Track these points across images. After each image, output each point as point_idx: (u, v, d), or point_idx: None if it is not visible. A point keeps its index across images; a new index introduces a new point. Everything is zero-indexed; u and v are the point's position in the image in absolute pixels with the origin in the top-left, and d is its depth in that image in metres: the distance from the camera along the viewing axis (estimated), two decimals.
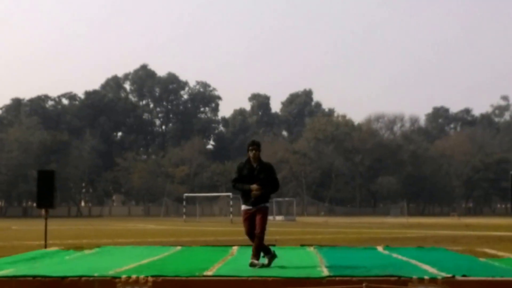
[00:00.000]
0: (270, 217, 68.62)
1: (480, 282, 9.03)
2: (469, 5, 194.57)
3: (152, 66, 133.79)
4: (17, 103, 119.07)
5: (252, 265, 10.75)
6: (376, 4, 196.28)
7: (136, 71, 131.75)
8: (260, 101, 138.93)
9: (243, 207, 11.26)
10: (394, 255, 13.42)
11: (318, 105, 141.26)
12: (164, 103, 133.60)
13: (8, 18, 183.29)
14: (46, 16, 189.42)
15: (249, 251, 11.89)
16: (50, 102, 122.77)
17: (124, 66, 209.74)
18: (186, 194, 77.79)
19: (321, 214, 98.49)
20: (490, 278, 9.18)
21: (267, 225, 11.20)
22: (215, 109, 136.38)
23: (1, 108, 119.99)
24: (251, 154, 11.15)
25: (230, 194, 71.10)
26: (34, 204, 28.98)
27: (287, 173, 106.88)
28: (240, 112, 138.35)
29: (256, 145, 11.20)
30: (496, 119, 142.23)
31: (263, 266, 10.78)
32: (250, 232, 11.15)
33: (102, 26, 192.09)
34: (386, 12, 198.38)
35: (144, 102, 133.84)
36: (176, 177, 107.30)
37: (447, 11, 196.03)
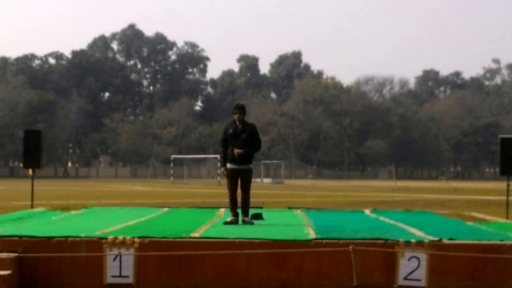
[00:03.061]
0: (257, 180, 69.12)
1: (467, 245, 9.08)
2: None
3: (140, 26, 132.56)
4: (3, 62, 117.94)
5: (245, 222, 11.73)
6: None
7: (124, 31, 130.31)
8: (249, 63, 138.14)
9: (228, 165, 11.98)
10: (382, 218, 13.45)
11: (307, 67, 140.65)
12: (152, 63, 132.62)
13: None
14: None
15: None
16: (37, 62, 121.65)
17: (112, 25, 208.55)
18: (173, 156, 77.67)
19: (309, 177, 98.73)
20: (477, 242, 9.23)
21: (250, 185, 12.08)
22: (203, 70, 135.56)
23: None
24: (235, 116, 11.96)
25: (217, 156, 71.07)
26: (21, 164, 28.89)
27: (275, 136, 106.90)
28: (228, 73, 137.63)
29: (240, 109, 12.00)
30: (487, 83, 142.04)
31: (248, 222, 11.75)
32: (234, 189, 11.99)
33: None
34: None
35: (131, 62, 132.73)
36: (163, 138, 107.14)
37: None
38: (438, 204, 25.47)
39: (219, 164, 12.89)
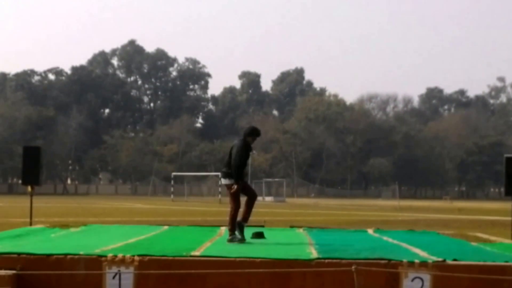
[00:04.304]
0: (259, 198, 68.89)
1: (471, 266, 8.97)
2: None
3: (140, 42, 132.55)
4: (2, 77, 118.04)
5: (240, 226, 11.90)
6: None
7: (124, 47, 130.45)
8: (251, 79, 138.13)
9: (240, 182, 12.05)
10: (385, 238, 13.34)
11: (310, 84, 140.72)
12: (153, 79, 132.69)
13: None
14: None
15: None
16: (36, 77, 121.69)
17: (112, 41, 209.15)
18: (174, 173, 77.59)
19: (311, 195, 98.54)
20: (481, 263, 9.12)
21: None
22: (205, 87, 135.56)
23: None
24: (252, 140, 12.18)
25: (219, 173, 70.89)
26: (20, 181, 28.80)
27: (277, 153, 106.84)
28: (230, 90, 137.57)
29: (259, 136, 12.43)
30: (492, 101, 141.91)
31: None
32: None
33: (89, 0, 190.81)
34: None
35: (132, 78, 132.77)
36: (164, 155, 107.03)
37: None
38: (442, 224, 25.35)
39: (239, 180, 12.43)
